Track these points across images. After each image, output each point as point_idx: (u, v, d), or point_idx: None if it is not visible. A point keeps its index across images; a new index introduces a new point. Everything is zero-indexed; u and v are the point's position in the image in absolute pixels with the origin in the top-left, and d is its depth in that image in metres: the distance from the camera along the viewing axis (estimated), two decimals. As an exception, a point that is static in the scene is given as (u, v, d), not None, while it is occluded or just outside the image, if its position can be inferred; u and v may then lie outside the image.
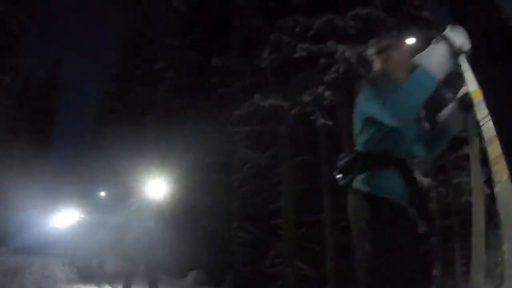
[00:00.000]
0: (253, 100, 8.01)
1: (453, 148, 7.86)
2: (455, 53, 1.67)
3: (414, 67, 1.73)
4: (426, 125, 2.04)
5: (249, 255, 10.36)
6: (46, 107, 24.47)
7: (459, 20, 16.88)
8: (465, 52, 1.69)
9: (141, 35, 20.77)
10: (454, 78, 1.78)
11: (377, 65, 1.96)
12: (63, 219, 17.92)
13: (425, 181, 6.77)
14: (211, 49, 12.73)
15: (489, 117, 1.60)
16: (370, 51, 1.99)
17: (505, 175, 1.45)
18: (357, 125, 1.90)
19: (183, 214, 11.85)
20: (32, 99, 23.56)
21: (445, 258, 8.04)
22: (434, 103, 2.02)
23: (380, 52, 1.95)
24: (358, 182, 1.81)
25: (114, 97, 20.36)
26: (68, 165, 27.40)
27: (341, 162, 1.87)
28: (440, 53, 1.67)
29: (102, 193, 18.19)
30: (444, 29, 1.71)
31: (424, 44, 1.81)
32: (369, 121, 1.81)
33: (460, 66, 1.69)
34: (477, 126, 1.62)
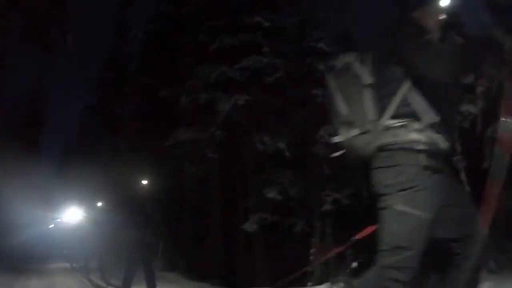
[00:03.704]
0: (177, 132, 10.52)
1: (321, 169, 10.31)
2: None
3: None
4: None
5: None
6: (34, 119, 26.71)
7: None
8: None
9: (116, 53, 22.56)
10: None
11: None
12: (66, 218, 19.00)
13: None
14: (163, 77, 14.84)
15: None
16: None
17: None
18: None
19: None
20: (20, 112, 25.78)
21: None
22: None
23: None
24: None
25: (93, 111, 22.41)
26: (60, 171, 30.10)
27: None
28: None
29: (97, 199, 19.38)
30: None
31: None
32: None
33: None
34: None
